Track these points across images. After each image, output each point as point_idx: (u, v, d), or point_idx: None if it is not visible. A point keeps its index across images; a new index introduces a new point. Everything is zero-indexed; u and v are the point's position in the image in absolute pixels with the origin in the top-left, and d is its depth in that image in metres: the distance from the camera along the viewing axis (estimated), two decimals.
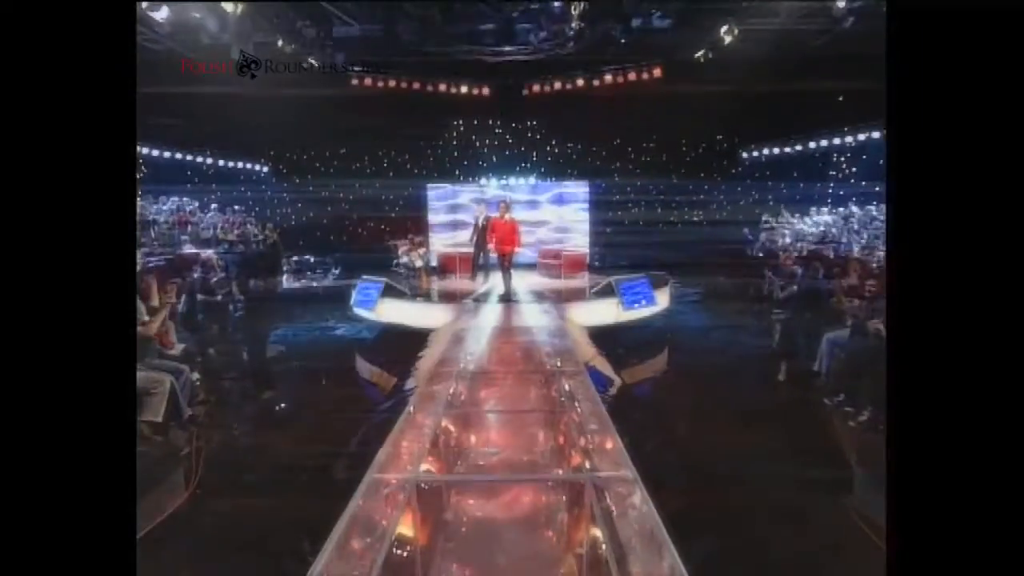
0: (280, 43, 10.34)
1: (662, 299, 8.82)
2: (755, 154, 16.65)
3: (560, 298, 8.99)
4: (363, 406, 5.62)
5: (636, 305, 7.99)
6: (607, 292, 8.20)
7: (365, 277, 8.85)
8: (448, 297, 9.49)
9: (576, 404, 4.09)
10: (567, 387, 4.21)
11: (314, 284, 12.37)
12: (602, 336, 7.60)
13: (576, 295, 9.49)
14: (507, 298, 8.53)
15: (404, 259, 10.49)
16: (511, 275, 8.77)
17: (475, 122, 16.65)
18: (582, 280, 10.82)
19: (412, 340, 7.69)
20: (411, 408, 3.80)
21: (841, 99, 14.15)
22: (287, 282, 12.27)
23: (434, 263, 12.47)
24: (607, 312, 7.96)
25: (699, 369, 7.51)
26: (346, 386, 7.14)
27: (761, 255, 11.75)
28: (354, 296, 8.85)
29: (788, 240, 12.03)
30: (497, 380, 4.86)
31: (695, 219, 16.99)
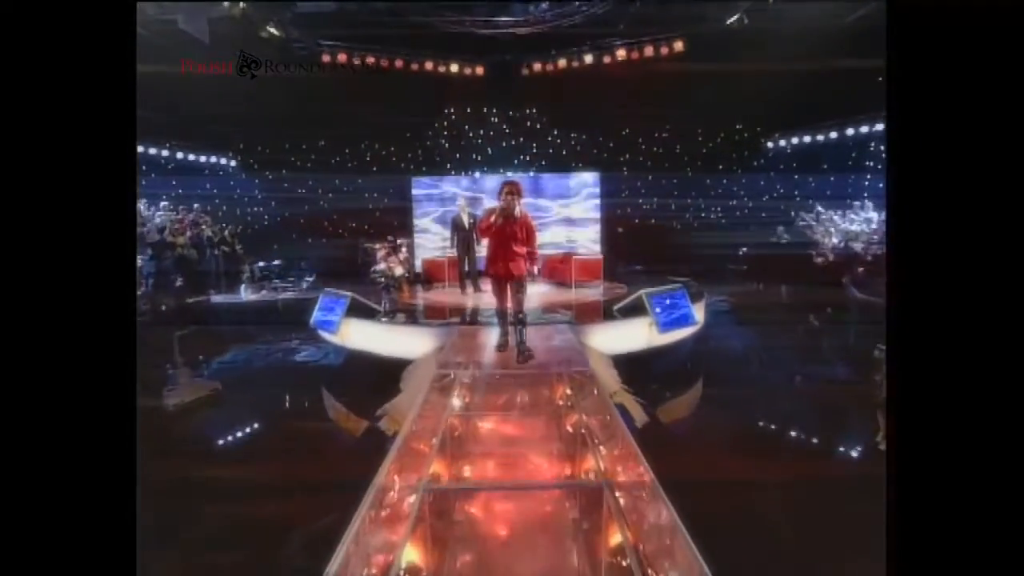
0: (226, 4, 8.52)
1: (699, 315, 7.07)
2: (781, 143, 14.91)
3: (574, 313, 7.23)
4: (307, 493, 3.80)
5: (675, 326, 6.23)
6: (636, 308, 6.43)
7: (328, 290, 7.05)
8: (435, 313, 7.71)
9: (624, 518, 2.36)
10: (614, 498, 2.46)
11: (280, 295, 10.51)
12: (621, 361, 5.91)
13: (591, 309, 7.73)
14: (503, 347, 5.40)
15: (381, 266, 8.70)
16: (524, 320, 5.27)
17: (468, 109, 14.87)
18: (596, 289, 9.06)
19: (387, 369, 5.99)
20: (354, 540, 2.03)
21: (881, 79, 12.39)
22: (246, 293, 10.44)
23: (420, 269, 10.74)
24: (637, 334, 6.19)
25: (746, 410, 5.77)
26: (294, 440, 5.35)
27: (818, 259, 9.95)
28: (314, 314, 7.06)
29: (836, 241, 10.27)
30: (496, 474, 3.09)
31: (713, 216, 15.33)
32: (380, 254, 9.01)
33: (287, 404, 6.48)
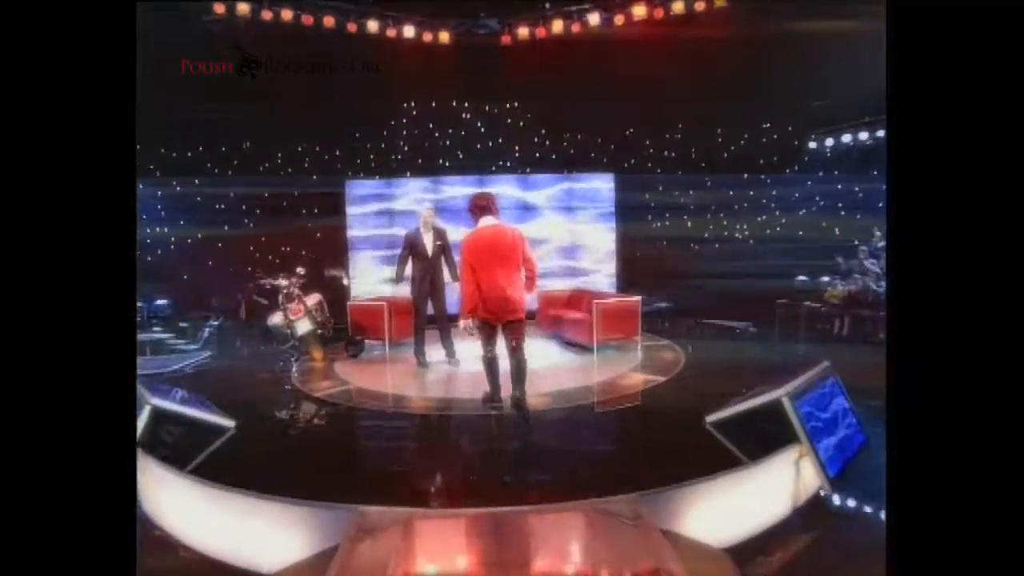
0: None
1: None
2: (826, 143, 12.01)
3: (599, 406, 3.87)
4: None
5: (845, 456, 2.91)
6: (766, 423, 3.08)
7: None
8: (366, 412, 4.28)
9: None
10: None
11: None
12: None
13: (627, 393, 4.39)
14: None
15: (276, 318, 5.24)
16: (526, 413, 3.07)
17: (433, 104, 11.61)
18: (633, 354, 5.63)
19: None
20: None
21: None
22: None
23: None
24: (780, 491, 2.83)
25: None
26: None
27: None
28: None
29: None
30: None
31: (738, 236, 12.24)
32: (282, 290, 5.54)
33: None
